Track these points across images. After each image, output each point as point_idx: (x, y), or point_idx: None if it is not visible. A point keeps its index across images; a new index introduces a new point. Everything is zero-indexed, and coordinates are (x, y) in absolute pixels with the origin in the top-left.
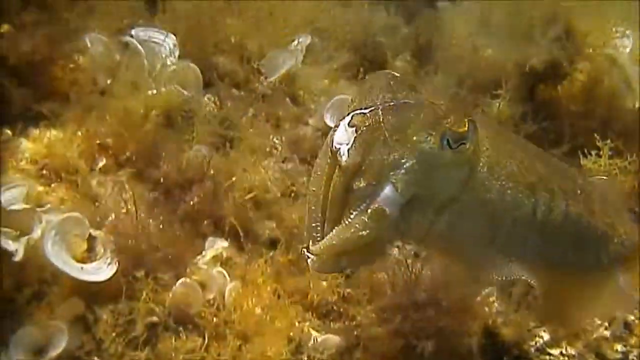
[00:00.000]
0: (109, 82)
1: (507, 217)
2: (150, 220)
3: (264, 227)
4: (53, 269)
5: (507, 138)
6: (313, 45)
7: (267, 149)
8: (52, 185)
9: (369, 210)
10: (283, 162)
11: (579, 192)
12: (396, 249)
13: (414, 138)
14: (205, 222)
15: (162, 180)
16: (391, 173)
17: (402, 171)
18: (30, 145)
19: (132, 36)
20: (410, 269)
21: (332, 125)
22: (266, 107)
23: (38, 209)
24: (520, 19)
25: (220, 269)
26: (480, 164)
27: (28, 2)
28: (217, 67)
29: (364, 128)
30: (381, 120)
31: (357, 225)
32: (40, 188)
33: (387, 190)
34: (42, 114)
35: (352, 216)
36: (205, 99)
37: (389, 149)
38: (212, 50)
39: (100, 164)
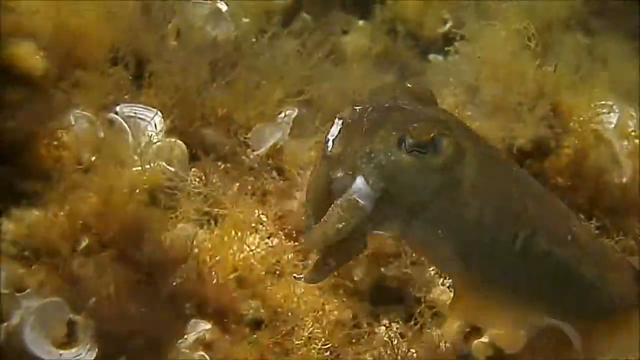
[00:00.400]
0: (93, 159)
1: (484, 237)
2: (132, 304)
3: (248, 306)
4: (32, 355)
5: (504, 168)
6: (300, 117)
7: (253, 225)
8: (33, 267)
9: (343, 202)
10: (269, 237)
11: (569, 237)
12: (383, 327)
13: (382, 135)
14: (188, 304)
15: (145, 261)
16: (363, 165)
17: (372, 165)
18: (12, 226)
19: (116, 113)
20: (396, 350)
21: None
22: (252, 180)
23: (17, 294)
24: (508, 92)
25: (202, 353)
26: (462, 179)
27: (12, 78)
28: (204, 140)
29: (350, 121)
30: (366, 115)
31: (333, 218)
32: (21, 270)
33: (359, 181)
34: (24, 193)
35: (330, 208)
36: (191, 174)
37: (365, 142)
38: (198, 123)
39: (83, 245)
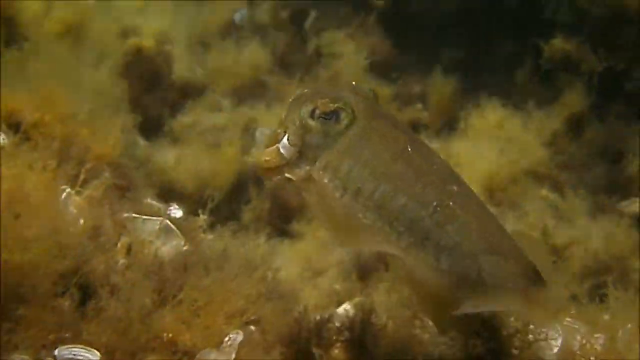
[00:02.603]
0: None
1: (351, 185)
2: None
3: None
4: None
5: (391, 141)
6: (247, 338)
7: None
8: None
9: (273, 150)
10: None
11: (434, 202)
12: None
13: (303, 107)
14: None
15: None
16: (288, 127)
17: (293, 127)
18: None
19: (55, 357)
20: None
21: None
22: None
23: None
24: None
25: None
26: (346, 142)
27: None
28: None
29: (295, 97)
30: (303, 96)
31: (269, 155)
32: None
33: (284, 138)
34: None
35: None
36: None
37: (293, 112)
38: (141, 355)
39: None
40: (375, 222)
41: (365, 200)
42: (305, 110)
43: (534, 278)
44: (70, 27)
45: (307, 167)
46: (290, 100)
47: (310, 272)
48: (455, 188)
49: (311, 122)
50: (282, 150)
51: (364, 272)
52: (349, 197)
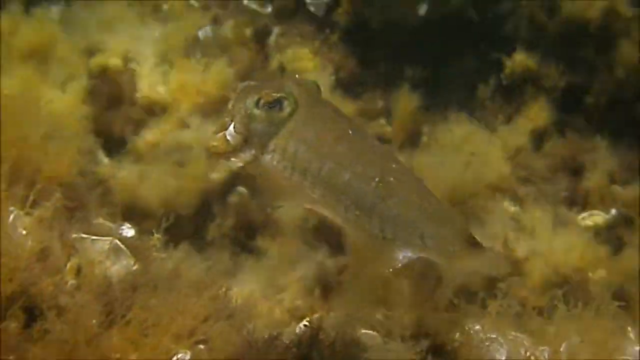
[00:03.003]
0: None
1: (298, 165)
2: None
3: None
4: None
5: (332, 125)
6: (194, 358)
7: None
8: None
9: (221, 137)
10: None
11: (375, 177)
12: None
13: (249, 97)
14: None
15: None
16: (235, 116)
17: (239, 116)
18: None
19: None
20: None
21: None
22: None
23: None
24: None
25: None
26: (290, 127)
27: None
28: None
29: (240, 88)
30: (249, 87)
31: (216, 141)
32: None
33: (230, 126)
34: None
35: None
36: None
37: (240, 101)
38: None
39: None
40: (324, 197)
41: (312, 177)
42: (251, 100)
43: (471, 241)
44: (37, 46)
45: (253, 152)
46: (236, 91)
47: (272, 288)
48: (394, 165)
49: (256, 111)
50: (228, 137)
51: (327, 287)
52: (297, 175)
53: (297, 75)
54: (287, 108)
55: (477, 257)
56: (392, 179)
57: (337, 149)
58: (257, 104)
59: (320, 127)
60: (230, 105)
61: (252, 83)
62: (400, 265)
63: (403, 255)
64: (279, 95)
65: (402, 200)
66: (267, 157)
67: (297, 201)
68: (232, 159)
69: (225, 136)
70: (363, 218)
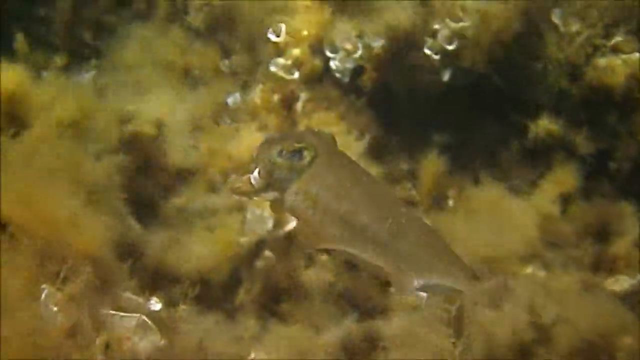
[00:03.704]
0: None
1: (319, 207)
2: None
3: None
4: None
5: (348, 172)
6: None
7: None
8: None
9: (245, 179)
10: None
11: (389, 219)
12: None
13: (273, 148)
14: None
15: None
16: (260, 163)
17: (263, 163)
18: None
19: None
20: None
21: None
22: None
23: None
24: None
25: None
26: (309, 173)
27: None
28: None
29: (265, 139)
30: (271, 137)
31: (241, 182)
32: None
33: (255, 172)
34: None
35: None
36: None
37: (264, 151)
38: None
39: None
40: (342, 235)
41: (332, 216)
42: (274, 150)
43: (473, 276)
44: (69, 116)
45: (276, 194)
46: (261, 142)
47: (298, 354)
48: (403, 209)
49: (279, 160)
50: (252, 181)
51: (353, 352)
52: (319, 214)
53: (315, 129)
54: (307, 157)
55: (477, 289)
56: (403, 220)
57: (353, 193)
58: (279, 153)
59: (338, 173)
60: (254, 155)
61: (275, 135)
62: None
63: (417, 282)
64: (299, 145)
65: (413, 239)
66: (291, 199)
67: (320, 240)
68: (256, 198)
69: (250, 179)
70: (379, 254)
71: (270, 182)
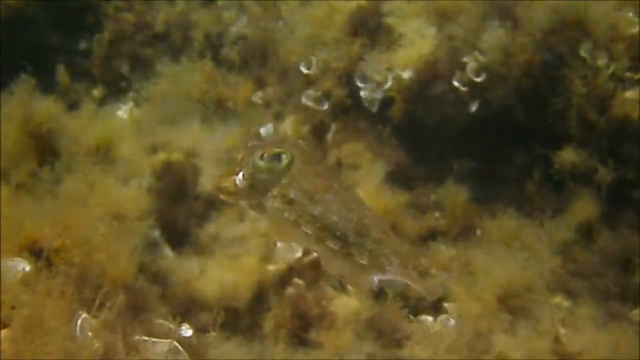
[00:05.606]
0: None
1: (296, 209)
2: None
3: None
4: None
5: (321, 176)
6: None
7: None
8: None
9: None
10: None
11: (354, 219)
12: None
13: (255, 153)
14: None
15: None
16: (244, 167)
17: (247, 167)
18: None
19: None
20: None
21: None
22: None
23: None
24: None
25: None
26: (288, 177)
27: None
28: None
29: (249, 146)
30: (254, 144)
31: (227, 182)
32: None
33: (240, 175)
34: None
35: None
36: None
37: (248, 156)
38: None
39: None
40: (315, 233)
41: (307, 218)
42: (257, 154)
43: (422, 270)
44: (103, 144)
45: (257, 196)
46: (245, 149)
47: None
48: (367, 212)
49: (260, 163)
50: (237, 182)
51: None
52: (294, 216)
53: (293, 140)
54: (284, 161)
55: (422, 283)
56: (366, 221)
57: (326, 197)
58: (261, 157)
59: (313, 179)
60: (239, 158)
61: (257, 142)
62: (374, 285)
63: (376, 278)
64: (278, 150)
65: (375, 237)
66: (270, 201)
67: (294, 238)
68: (241, 202)
69: (235, 181)
70: (346, 249)
71: (253, 184)
